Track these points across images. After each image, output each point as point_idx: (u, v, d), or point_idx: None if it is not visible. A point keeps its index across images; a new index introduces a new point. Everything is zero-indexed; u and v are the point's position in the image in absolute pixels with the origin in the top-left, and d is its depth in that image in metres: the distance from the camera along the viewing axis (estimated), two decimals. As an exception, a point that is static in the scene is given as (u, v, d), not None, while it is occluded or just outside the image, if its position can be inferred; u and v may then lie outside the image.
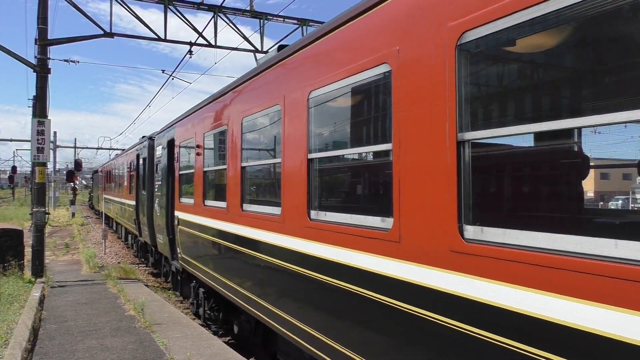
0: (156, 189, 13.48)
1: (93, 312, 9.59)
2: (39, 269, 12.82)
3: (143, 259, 18.37)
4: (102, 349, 7.32)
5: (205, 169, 9.02)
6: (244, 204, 7.03)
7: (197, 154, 9.38)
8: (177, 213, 10.89)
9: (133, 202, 18.04)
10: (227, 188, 7.63)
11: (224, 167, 7.90)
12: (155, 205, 13.43)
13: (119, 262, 17.35)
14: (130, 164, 19.44)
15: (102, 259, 17.73)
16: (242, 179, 7.09)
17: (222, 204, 7.89)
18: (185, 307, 11.66)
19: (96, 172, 45.42)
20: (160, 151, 13.04)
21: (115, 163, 26.76)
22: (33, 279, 12.21)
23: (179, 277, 12.23)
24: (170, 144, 11.94)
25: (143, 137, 17.26)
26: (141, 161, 16.39)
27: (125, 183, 20.89)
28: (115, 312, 9.56)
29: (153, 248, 15.21)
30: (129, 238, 22.07)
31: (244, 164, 7.08)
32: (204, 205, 8.97)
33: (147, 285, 13.15)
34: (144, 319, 8.82)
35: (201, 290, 9.90)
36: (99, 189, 38.41)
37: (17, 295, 10.25)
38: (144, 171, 15.51)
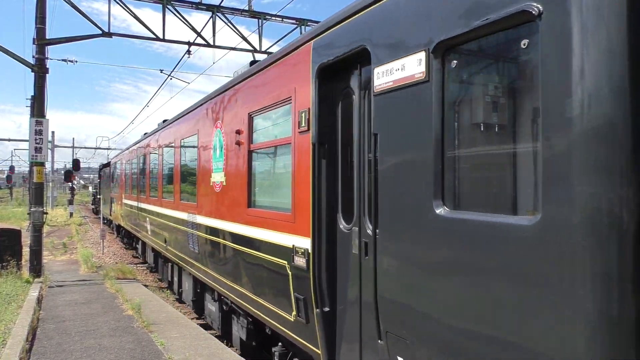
0: None
1: (91, 312, 9.58)
2: (37, 269, 12.80)
3: None
4: (100, 349, 7.32)
5: None
6: None
7: None
8: None
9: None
10: None
11: None
12: None
13: (116, 262, 17.35)
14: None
15: (100, 259, 17.72)
16: None
17: None
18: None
19: (107, 165, 32.28)
20: None
21: (173, 135, 11.25)
22: (31, 279, 12.19)
23: None
24: None
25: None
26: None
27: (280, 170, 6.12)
28: (114, 312, 9.56)
29: None
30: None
31: None
32: None
33: (145, 285, 13.14)
34: (142, 318, 8.81)
35: None
36: (112, 189, 25.86)
37: (15, 295, 10.25)
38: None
